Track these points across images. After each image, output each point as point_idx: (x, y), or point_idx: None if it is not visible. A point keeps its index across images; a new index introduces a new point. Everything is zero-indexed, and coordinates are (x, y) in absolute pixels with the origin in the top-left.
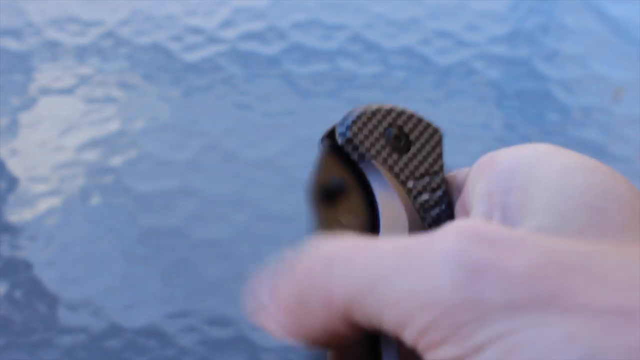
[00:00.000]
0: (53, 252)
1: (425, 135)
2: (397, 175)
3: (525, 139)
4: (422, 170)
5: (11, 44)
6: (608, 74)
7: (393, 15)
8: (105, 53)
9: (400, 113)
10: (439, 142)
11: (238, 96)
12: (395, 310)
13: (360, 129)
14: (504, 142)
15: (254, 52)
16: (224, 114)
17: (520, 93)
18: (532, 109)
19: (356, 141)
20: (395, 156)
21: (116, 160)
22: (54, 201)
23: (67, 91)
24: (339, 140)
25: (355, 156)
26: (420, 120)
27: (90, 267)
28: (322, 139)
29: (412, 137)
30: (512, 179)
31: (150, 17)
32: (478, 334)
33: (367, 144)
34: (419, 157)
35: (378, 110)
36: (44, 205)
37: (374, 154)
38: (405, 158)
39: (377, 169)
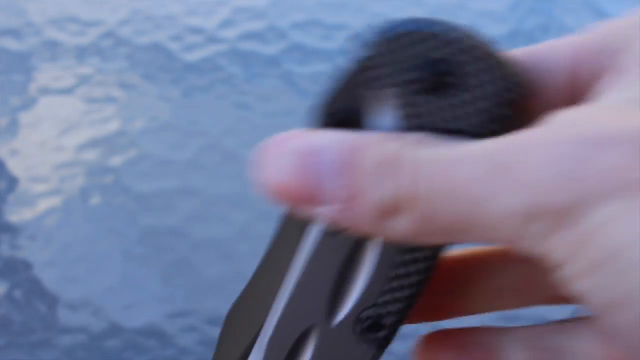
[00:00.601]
0: (53, 252)
1: (488, 87)
2: (410, 127)
3: None
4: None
5: (11, 44)
6: None
7: (393, 15)
8: (105, 53)
9: (452, 41)
10: (509, 98)
11: (238, 96)
12: (507, 225)
13: (384, 53)
14: None
15: (254, 52)
16: (224, 114)
17: None
18: None
19: (373, 67)
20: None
21: (116, 160)
22: (54, 201)
23: (67, 91)
24: (353, 64)
25: (368, 90)
26: (479, 47)
27: (90, 267)
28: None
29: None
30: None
31: (150, 17)
32: (585, 227)
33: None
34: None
35: (414, 33)
36: (44, 205)
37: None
38: (436, 102)
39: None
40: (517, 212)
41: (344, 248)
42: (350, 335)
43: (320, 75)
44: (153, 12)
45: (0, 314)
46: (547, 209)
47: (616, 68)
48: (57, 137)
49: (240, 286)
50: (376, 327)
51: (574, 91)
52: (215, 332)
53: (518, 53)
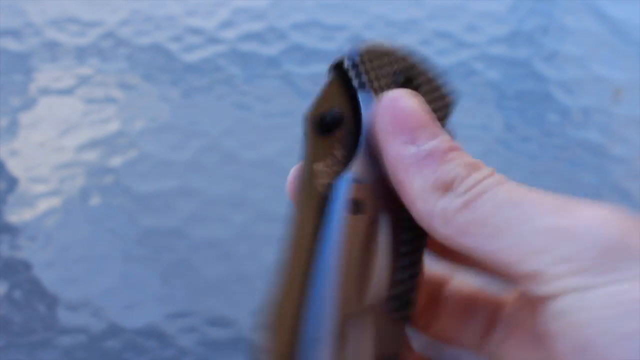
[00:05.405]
0: (53, 253)
1: (435, 94)
2: None
3: (525, 139)
4: None
5: (11, 45)
6: (607, 75)
7: (393, 16)
8: (105, 53)
9: (412, 66)
10: (446, 107)
11: (238, 96)
12: (533, 242)
13: (369, 60)
14: (504, 143)
15: (253, 52)
16: (223, 115)
17: (520, 94)
18: (532, 109)
19: (362, 68)
20: None
21: (116, 161)
22: (54, 201)
23: (67, 91)
24: (346, 63)
25: (356, 83)
26: (430, 80)
27: (90, 268)
28: (330, 68)
29: (421, 91)
30: None
31: (150, 17)
32: (622, 271)
33: (372, 75)
34: None
35: (391, 52)
36: (43, 205)
37: (376, 88)
38: None
39: (374, 102)
40: (556, 231)
41: (362, 228)
42: (383, 316)
43: (320, 76)
44: (153, 12)
45: (0, 314)
46: (591, 239)
47: None
48: (56, 138)
49: (240, 286)
50: (406, 303)
51: None
52: (215, 332)
53: None
